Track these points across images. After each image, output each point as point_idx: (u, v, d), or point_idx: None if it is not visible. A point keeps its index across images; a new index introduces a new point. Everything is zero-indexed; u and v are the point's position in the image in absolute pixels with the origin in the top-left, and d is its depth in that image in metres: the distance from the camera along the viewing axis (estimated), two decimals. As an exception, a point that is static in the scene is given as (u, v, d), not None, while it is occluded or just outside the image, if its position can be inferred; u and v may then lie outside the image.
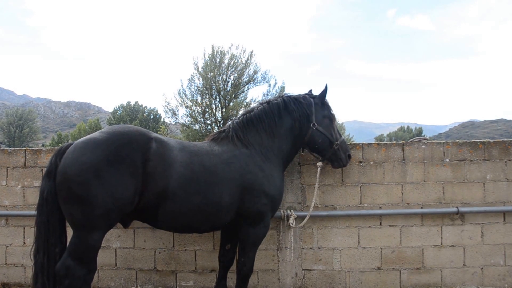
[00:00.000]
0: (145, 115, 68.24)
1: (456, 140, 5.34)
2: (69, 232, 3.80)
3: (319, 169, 4.83)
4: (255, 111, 4.58)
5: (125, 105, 69.70)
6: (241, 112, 4.88)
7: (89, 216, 3.56)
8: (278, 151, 4.49)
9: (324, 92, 4.72)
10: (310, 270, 5.22)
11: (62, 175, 3.60)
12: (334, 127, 4.70)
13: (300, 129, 4.57)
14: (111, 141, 3.68)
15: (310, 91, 4.88)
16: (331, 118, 4.68)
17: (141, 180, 3.70)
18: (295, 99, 4.64)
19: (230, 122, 4.62)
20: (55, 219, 3.78)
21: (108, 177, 3.55)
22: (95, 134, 3.81)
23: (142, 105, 70.58)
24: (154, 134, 4.03)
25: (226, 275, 4.79)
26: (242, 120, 4.52)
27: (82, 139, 3.81)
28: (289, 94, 4.75)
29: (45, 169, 3.86)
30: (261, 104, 4.68)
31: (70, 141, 4.03)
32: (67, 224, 3.84)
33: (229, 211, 4.15)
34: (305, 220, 4.83)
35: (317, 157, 4.79)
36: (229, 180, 4.09)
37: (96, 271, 4.38)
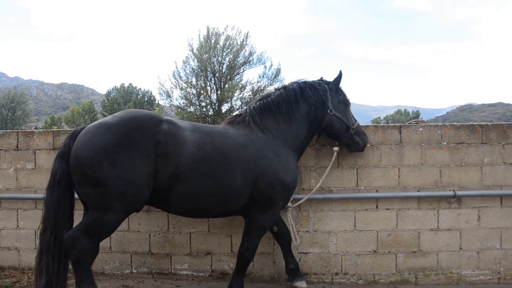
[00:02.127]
0: (139, 97, 67.81)
1: (454, 123, 5.29)
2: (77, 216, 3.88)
3: (335, 153, 4.89)
4: (272, 96, 4.58)
5: (118, 87, 69.16)
6: (257, 97, 4.85)
7: (103, 197, 3.64)
8: (295, 137, 4.49)
9: (338, 78, 4.74)
10: (306, 253, 5.20)
11: (75, 157, 3.67)
12: (349, 111, 4.78)
13: (316, 115, 4.58)
14: (122, 125, 3.73)
15: (321, 78, 4.86)
16: (346, 103, 4.74)
17: (154, 163, 3.73)
18: (311, 85, 4.64)
19: (246, 107, 4.62)
20: (65, 201, 3.82)
21: (120, 159, 3.60)
22: (107, 118, 3.87)
23: (136, 87, 70.07)
24: (166, 117, 4.05)
25: (289, 252, 4.86)
26: (259, 106, 4.51)
27: (94, 122, 3.87)
28: (304, 80, 4.73)
29: (59, 151, 3.88)
30: (278, 89, 4.69)
31: (83, 125, 4.10)
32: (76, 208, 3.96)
33: (242, 195, 4.11)
34: (302, 200, 4.91)
35: (334, 142, 4.86)
36: (243, 164, 4.06)
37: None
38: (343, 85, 4.80)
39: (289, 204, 4.85)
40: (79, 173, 3.65)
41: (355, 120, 4.77)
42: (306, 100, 4.55)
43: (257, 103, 4.56)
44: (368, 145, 5.14)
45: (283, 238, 4.82)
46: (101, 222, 3.71)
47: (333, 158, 4.88)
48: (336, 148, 4.87)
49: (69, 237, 3.71)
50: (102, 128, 3.71)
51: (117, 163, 3.59)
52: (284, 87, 4.67)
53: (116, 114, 3.97)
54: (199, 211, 4.22)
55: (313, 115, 4.57)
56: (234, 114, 4.67)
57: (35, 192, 5.40)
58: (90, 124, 3.88)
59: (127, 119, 3.81)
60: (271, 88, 37.55)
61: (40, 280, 3.77)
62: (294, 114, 4.50)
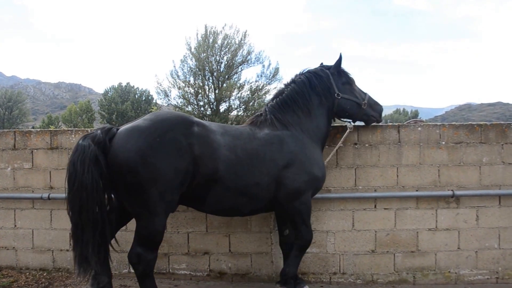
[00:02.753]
0: (136, 96, 67.57)
1: (453, 123, 5.29)
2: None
3: (348, 130, 4.93)
4: (286, 92, 4.64)
5: (116, 86, 68.88)
6: (271, 95, 4.89)
7: (145, 201, 3.65)
8: (317, 129, 4.57)
9: (338, 62, 4.75)
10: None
11: (113, 166, 3.62)
12: (356, 88, 4.81)
13: (328, 102, 4.66)
14: (154, 128, 3.73)
15: (321, 64, 4.91)
16: (350, 82, 4.78)
17: (191, 163, 3.76)
18: (315, 73, 4.70)
19: (264, 107, 4.69)
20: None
21: (154, 162, 3.60)
22: (138, 122, 3.86)
23: (133, 86, 69.78)
24: (195, 119, 4.07)
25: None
26: (277, 103, 4.59)
27: (126, 127, 3.83)
28: (308, 69, 4.79)
29: (93, 136, 3.66)
30: (288, 85, 4.73)
31: (115, 126, 3.97)
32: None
33: (268, 191, 4.17)
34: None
35: (348, 121, 4.94)
36: (269, 161, 4.15)
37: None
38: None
39: None
40: (120, 180, 3.64)
41: (365, 94, 4.82)
42: (314, 90, 4.61)
43: (274, 101, 4.64)
44: (367, 144, 5.15)
45: (291, 246, 4.75)
46: (150, 228, 3.74)
47: (345, 134, 4.93)
48: (350, 126, 4.93)
49: (132, 254, 3.79)
50: (134, 133, 3.69)
51: (153, 166, 3.59)
52: (294, 81, 4.72)
53: (146, 117, 3.96)
54: (232, 210, 4.29)
55: (326, 103, 4.65)
56: (255, 115, 4.71)
57: (33, 191, 5.37)
58: (121, 129, 3.81)
59: (158, 121, 3.81)
60: (270, 87, 37.47)
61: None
62: (311, 105, 4.58)
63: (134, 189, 3.62)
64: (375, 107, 4.88)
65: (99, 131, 3.74)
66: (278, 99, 4.63)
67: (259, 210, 4.43)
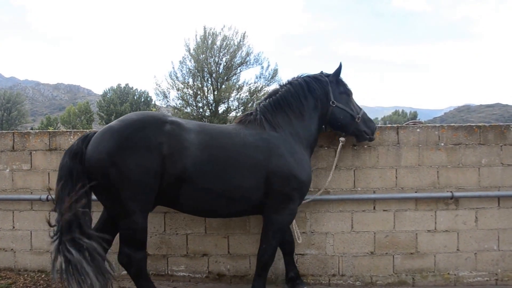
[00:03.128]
0: (135, 97, 67.63)
1: (452, 124, 5.28)
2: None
3: (340, 144, 4.84)
4: (280, 93, 4.54)
5: (115, 87, 68.89)
6: (264, 95, 4.88)
7: (120, 202, 3.71)
8: (308, 133, 4.47)
9: (338, 70, 4.69)
10: (303, 254, 5.19)
11: (88, 168, 3.72)
12: (353, 101, 4.74)
13: (322, 108, 4.59)
14: (125, 128, 3.77)
15: (321, 72, 4.83)
16: (348, 93, 4.71)
17: (158, 164, 3.74)
18: (315, 78, 4.64)
19: (256, 106, 4.58)
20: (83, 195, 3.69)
21: (124, 163, 3.64)
22: (112, 123, 3.92)
23: (132, 87, 69.84)
24: (171, 118, 4.04)
25: (292, 260, 4.85)
26: (270, 103, 4.47)
27: (102, 128, 3.95)
28: (307, 74, 4.72)
29: (70, 149, 3.82)
30: (284, 86, 4.64)
31: (95, 130, 4.12)
32: None
33: (254, 195, 4.08)
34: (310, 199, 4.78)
35: (341, 133, 4.85)
36: (255, 164, 4.03)
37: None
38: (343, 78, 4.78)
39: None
40: (97, 182, 3.69)
41: (360, 109, 4.73)
42: (312, 94, 4.54)
43: (267, 101, 4.52)
44: (365, 146, 5.14)
45: (290, 247, 4.79)
46: (131, 227, 3.77)
47: (339, 148, 4.83)
48: (342, 139, 4.83)
49: (121, 256, 3.84)
50: (107, 134, 3.77)
51: (122, 166, 3.63)
52: (290, 83, 4.63)
53: (121, 118, 4.01)
54: (209, 211, 4.24)
55: (320, 109, 4.57)
56: (245, 113, 4.61)
57: (31, 193, 5.35)
58: (97, 132, 3.92)
59: (129, 121, 3.84)
60: (268, 89, 37.47)
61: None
62: (305, 109, 4.48)
63: (108, 190, 3.71)
64: (369, 124, 4.77)
65: (75, 142, 3.88)
66: (271, 99, 4.51)
67: (241, 213, 4.38)
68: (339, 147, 4.84)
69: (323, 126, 4.80)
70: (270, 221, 4.21)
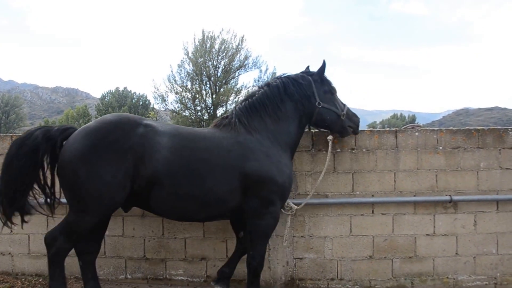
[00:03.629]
0: (134, 101, 67.70)
1: (450, 128, 5.29)
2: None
3: (330, 142, 4.80)
4: (256, 95, 4.48)
5: (113, 91, 68.96)
6: (241, 97, 4.82)
7: (79, 200, 3.82)
8: (286, 135, 4.40)
9: (322, 68, 4.65)
10: (301, 258, 5.17)
11: (60, 162, 3.88)
12: (337, 98, 4.68)
13: (304, 110, 4.51)
14: (99, 129, 3.87)
15: (308, 67, 4.81)
16: (332, 91, 4.65)
17: (130, 166, 3.80)
18: (294, 80, 4.53)
19: (233, 108, 4.53)
20: (32, 179, 3.98)
21: (95, 163, 3.74)
22: (89, 123, 4.03)
23: (131, 91, 69.98)
24: (146, 121, 4.06)
25: (236, 262, 4.76)
26: (245, 106, 4.42)
27: (79, 128, 4.05)
28: (287, 75, 4.62)
29: (45, 129, 4.06)
30: (261, 88, 4.58)
31: (76, 127, 4.22)
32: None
33: (230, 199, 4.08)
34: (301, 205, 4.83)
35: (326, 131, 4.83)
36: (228, 168, 4.01)
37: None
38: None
39: (292, 207, 4.78)
40: (62, 176, 3.88)
41: (344, 105, 4.68)
42: (290, 97, 4.45)
43: (243, 104, 4.47)
44: (364, 149, 5.13)
45: (243, 246, 4.68)
46: (78, 223, 3.86)
47: (329, 147, 4.80)
48: (330, 137, 4.78)
49: (49, 236, 3.92)
50: (81, 133, 3.88)
51: (93, 167, 3.74)
52: (268, 84, 4.56)
53: (98, 118, 4.15)
54: (183, 215, 4.27)
55: (302, 111, 4.50)
56: (221, 117, 4.58)
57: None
58: (77, 129, 4.04)
59: (104, 122, 3.95)
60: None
61: None
62: (281, 111, 4.40)
63: (74, 186, 3.80)
64: (353, 119, 4.74)
65: (55, 128, 4.07)
66: (247, 102, 4.45)
67: (220, 217, 4.40)
68: (330, 145, 4.80)
69: (308, 126, 4.81)
70: (253, 226, 4.19)
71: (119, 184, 3.79)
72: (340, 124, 4.62)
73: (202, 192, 3.98)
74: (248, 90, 39.07)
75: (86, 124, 4.04)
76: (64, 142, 3.97)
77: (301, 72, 4.70)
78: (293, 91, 4.46)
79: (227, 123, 4.34)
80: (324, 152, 5.04)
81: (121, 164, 3.77)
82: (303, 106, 4.49)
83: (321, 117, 4.55)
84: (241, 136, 4.18)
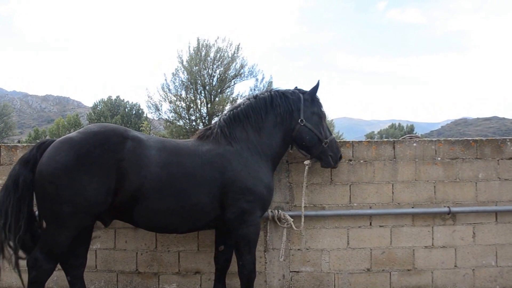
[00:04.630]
0: (126, 110, 67.33)
1: (448, 138, 5.26)
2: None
3: (306, 167, 4.64)
4: (241, 106, 4.45)
5: (105, 99, 68.66)
6: (227, 107, 4.74)
7: (57, 214, 3.71)
8: (267, 147, 4.35)
9: (315, 88, 4.58)
10: (298, 272, 5.08)
11: (38, 173, 3.73)
12: (324, 125, 4.56)
13: (285, 125, 4.44)
14: (84, 142, 3.78)
15: (296, 87, 4.69)
16: (320, 115, 4.54)
17: (114, 181, 3.76)
18: (282, 94, 4.50)
19: (217, 119, 4.51)
20: (25, 207, 3.82)
21: (78, 177, 3.67)
22: (72, 134, 3.93)
23: (123, 100, 69.59)
24: (132, 133, 4.01)
25: (222, 278, 4.63)
26: (229, 116, 4.40)
27: (60, 138, 3.92)
28: (277, 89, 4.59)
29: (23, 156, 3.90)
30: (248, 99, 4.54)
31: (53, 138, 4.23)
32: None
33: (210, 211, 4.10)
34: (302, 223, 4.73)
35: (305, 155, 4.60)
36: (210, 181, 4.05)
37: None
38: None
39: (288, 219, 4.72)
40: (40, 188, 3.74)
41: (330, 134, 4.56)
42: (275, 110, 4.42)
43: (227, 114, 4.47)
44: (361, 160, 5.07)
45: (226, 262, 4.61)
46: (54, 238, 3.77)
47: (305, 173, 4.66)
48: (307, 162, 4.62)
49: (31, 258, 3.81)
50: (65, 145, 3.77)
51: (76, 181, 3.66)
52: (255, 96, 4.53)
53: (81, 129, 4.02)
54: (164, 228, 4.26)
55: (284, 125, 4.43)
56: (204, 128, 4.56)
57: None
58: (57, 140, 3.93)
59: (90, 135, 3.84)
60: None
61: None
62: (264, 124, 4.37)
63: (52, 200, 3.69)
64: (336, 151, 4.54)
65: (30, 149, 3.96)
66: (231, 112, 4.44)
67: (200, 228, 4.45)
68: (305, 171, 4.67)
69: (291, 145, 4.70)
70: (237, 235, 4.20)
71: (101, 199, 3.75)
72: (320, 150, 4.47)
73: (186, 206, 4.00)
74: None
75: (69, 135, 3.93)
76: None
77: (294, 89, 4.64)
78: (278, 103, 4.43)
79: (209, 134, 4.35)
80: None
81: (105, 179, 3.72)
82: (285, 120, 4.42)
83: (300, 135, 4.44)
84: (221, 147, 4.20)
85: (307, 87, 4.62)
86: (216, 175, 4.05)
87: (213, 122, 4.48)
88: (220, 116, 4.54)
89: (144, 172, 3.83)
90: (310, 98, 4.53)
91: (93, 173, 3.69)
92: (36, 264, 3.76)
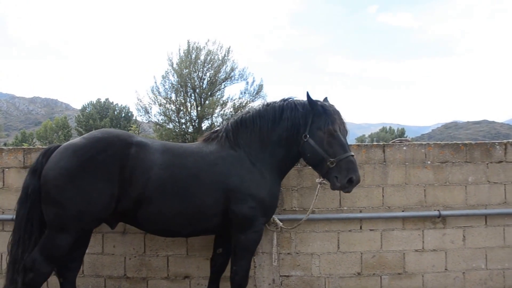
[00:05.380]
0: (116, 113, 66.89)
1: (438, 142, 5.28)
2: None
3: (318, 186, 4.42)
4: (250, 112, 4.38)
5: (94, 102, 68.12)
6: (239, 112, 4.66)
7: (60, 218, 3.75)
8: (270, 156, 4.21)
9: (329, 104, 4.28)
10: (288, 276, 5.05)
11: (43, 177, 3.81)
12: (333, 142, 4.03)
13: (291, 139, 4.19)
14: (89, 147, 3.82)
15: (325, 99, 4.39)
16: (327, 131, 4.05)
17: (117, 186, 3.80)
18: (294, 106, 4.24)
19: (225, 123, 4.47)
20: (36, 216, 3.88)
21: (83, 182, 3.72)
22: (77, 139, 4.00)
23: (112, 102, 69.05)
24: (136, 139, 4.04)
25: (217, 281, 4.59)
26: (236, 121, 4.35)
27: (65, 144, 4.01)
28: (293, 99, 4.36)
29: (31, 166, 4.01)
30: (262, 106, 4.42)
31: (59, 143, 4.27)
32: None
33: (214, 215, 4.09)
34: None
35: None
36: (213, 183, 4.03)
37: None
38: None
39: (278, 223, 4.68)
40: (44, 192, 3.79)
41: (344, 152, 3.98)
42: (283, 122, 4.20)
43: (235, 119, 4.43)
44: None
45: (221, 265, 4.57)
46: (54, 241, 3.78)
47: (317, 191, 4.51)
48: (318, 180, 4.38)
49: (29, 259, 3.79)
50: (70, 151, 3.83)
51: (80, 186, 3.72)
52: (268, 104, 4.39)
53: (85, 135, 4.08)
54: (168, 231, 4.26)
55: (289, 139, 4.20)
56: (211, 131, 4.55)
57: (3, 212, 5.11)
58: (62, 145, 3.98)
59: (94, 141, 3.90)
60: (253, 104, 37.41)
61: None
62: (269, 134, 4.21)
63: (55, 204, 3.74)
64: (344, 173, 3.94)
65: (40, 158, 3.98)
66: (240, 117, 4.38)
67: (204, 232, 4.36)
68: (317, 189, 4.50)
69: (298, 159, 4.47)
70: (236, 241, 4.15)
71: (104, 205, 3.79)
72: (325, 169, 4.04)
73: (190, 208, 4.00)
74: (234, 102, 38.88)
75: (73, 140, 4.00)
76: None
77: (308, 100, 4.27)
78: (287, 116, 4.20)
79: (215, 137, 4.33)
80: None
81: (109, 185, 3.76)
82: (292, 134, 4.17)
83: (303, 151, 4.15)
84: (224, 151, 4.18)
85: (298, 91, 4.52)
86: (219, 178, 4.04)
87: (221, 125, 4.42)
88: (229, 120, 4.48)
89: (148, 175, 3.86)
90: (319, 112, 4.15)
91: (97, 179, 3.73)
92: (34, 266, 3.74)
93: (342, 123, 4.18)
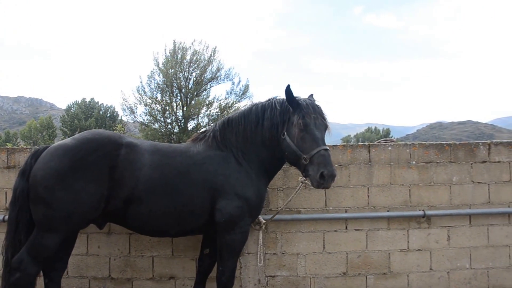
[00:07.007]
0: (101, 112, 66.30)
1: (423, 142, 5.31)
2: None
3: (300, 184, 4.17)
4: (237, 113, 4.41)
5: (79, 101, 67.45)
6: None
7: (49, 218, 3.75)
8: (256, 156, 4.21)
9: (287, 95, 4.07)
10: (273, 276, 5.04)
11: (32, 178, 3.81)
12: (305, 136, 3.88)
13: (274, 139, 4.12)
14: (79, 148, 3.83)
15: (311, 95, 4.30)
16: (299, 126, 3.90)
17: (107, 187, 3.82)
18: (274, 105, 4.16)
19: (214, 124, 4.54)
20: (24, 217, 3.89)
21: (72, 183, 3.73)
22: (67, 140, 4.01)
23: (98, 102, 68.45)
24: (126, 139, 4.05)
25: (203, 281, 4.57)
26: (223, 121, 4.39)
27: (55, 144, 4.01)
28: (276, 98, 4.28)
29: (21, 168, 4.01)
30: (248, 106, 4.41)
31: (46, 145, 4.35)
32: None
33: (201, 214, 4.09)
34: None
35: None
36: (200, 182, 4.05)
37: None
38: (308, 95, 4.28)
39: (261, 221, 4.67)
40: (33, 192, 3.79)
41: (316, 147, 3.81)
42: (266, 122, 4.14)
43: (223, 119, 4.45)
44: (337, 164, 5.03)
45: (209, 266, 4.57)
46: (42, 242, 3.77)
47: (297, 188, 4.38)
48: (301, 179, 4.07)
49: (16, 259, 3.78)
50: (60, 151, 3.83)
51: (70, 187, 3.71)
52: (254, 104, 4.36)
53: (76, 135, 4.07)
54: (157, 231, 4.26)
55: (272, 138, 4.12)
56: (200, 131, 4.57)
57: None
58: (52, 145, 3.99)
59: (84, 141, 3.90)
60: (239, 105, 37.34)
61: None
62: (253, 133, 4.19)
63: (44, 204, 3.73)
64: (315, 168, 3.77)
65: (29, 159, 3.96)
66: (228, 117, 4.41)
67: (191, 232, 4.38)
68: (299, 187, 4.31)
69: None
70: (222, 241, 4.15)
71: (94, 205, 3.81)
72: (303, 168, 3.91)
73: (178, 208, 4.01)
74: (220, 103, 38.76)
75: (63, 141, 4.00)
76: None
77: (310, 97, 4.27)
78: (268, 116, 4.16)
79: (203, 137, 4.37)
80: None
81: (99, 185, 3.78)
82: (273, 133, 4.12)
83: (282, 150, 4.06)
84: (212, 150, 4.22)
85: (284, 92, 4.10)
86: (206, 177, 4.06)
87: (207, 126, 4.41)
88: (218, 120, 4.53)
89: (137, 175, 3.89)
90: (294, 108, 4.03)
91: (86, 179, 3.75)
92: (21, 267, 3.73)
93: (319, 116, 4.01)
